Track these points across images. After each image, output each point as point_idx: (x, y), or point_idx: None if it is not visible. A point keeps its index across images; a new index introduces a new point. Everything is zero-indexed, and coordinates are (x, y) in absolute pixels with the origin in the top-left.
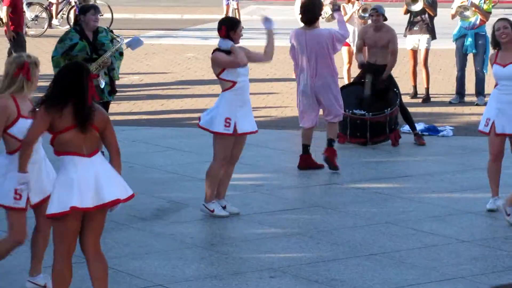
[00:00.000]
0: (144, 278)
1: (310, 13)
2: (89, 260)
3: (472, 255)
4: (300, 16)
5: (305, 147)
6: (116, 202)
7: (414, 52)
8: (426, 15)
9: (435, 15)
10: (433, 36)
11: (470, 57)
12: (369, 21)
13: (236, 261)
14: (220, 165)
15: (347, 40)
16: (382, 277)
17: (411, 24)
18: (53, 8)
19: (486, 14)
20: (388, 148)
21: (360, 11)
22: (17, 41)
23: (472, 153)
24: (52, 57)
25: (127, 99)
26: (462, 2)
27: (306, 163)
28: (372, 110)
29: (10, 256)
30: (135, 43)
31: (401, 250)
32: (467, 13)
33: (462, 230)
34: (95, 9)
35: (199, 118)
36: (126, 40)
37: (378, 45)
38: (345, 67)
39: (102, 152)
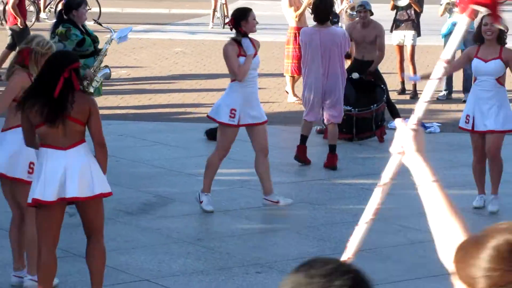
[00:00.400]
0: (131, 273)
1: (323, 12)
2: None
3: None
4: (312, 14)
5: (305, 138)
6: (74, 199)
7: (400, 47)
8: (412, 11)
9: (421, 11)
10: (418, 33)
11: (458, 54)
12: (357, 18)
13: (222, 256)
14: (219, 156)
15: None
16: (369, 272)
17: (397, 20)
18: (41, 2)
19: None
20: (375, 144)
21: (349, 9)
22: (23, 34)
23: (459, 150)
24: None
25: (114, 93)
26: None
27: (304, 153)
28: (359, 106)
29: None
30: (123, 36)
31: (387, 246)
32: (456, 9)
33: None
34: (86, 3)
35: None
36: (115, 34)
37: (365, 40)
38: None
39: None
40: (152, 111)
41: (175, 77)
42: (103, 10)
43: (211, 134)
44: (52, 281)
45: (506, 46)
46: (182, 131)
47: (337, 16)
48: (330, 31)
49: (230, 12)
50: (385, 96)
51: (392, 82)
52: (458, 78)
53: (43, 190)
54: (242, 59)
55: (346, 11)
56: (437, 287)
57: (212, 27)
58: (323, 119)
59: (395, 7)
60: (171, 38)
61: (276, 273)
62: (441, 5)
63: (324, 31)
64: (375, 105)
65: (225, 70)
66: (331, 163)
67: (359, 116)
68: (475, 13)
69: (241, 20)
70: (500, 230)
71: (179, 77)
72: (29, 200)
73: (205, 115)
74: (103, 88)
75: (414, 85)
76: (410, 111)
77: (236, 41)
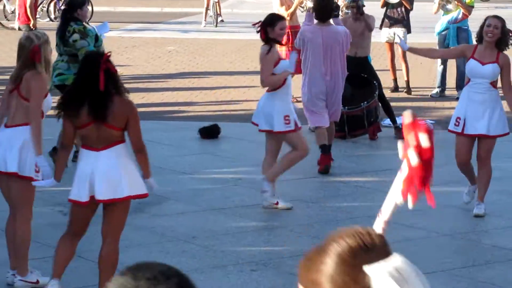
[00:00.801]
0: None
1: (325, 9)
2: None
3: (452, 248)
4: (314, 13)
5: (328, 147)
6: (99, 201)
7: (390, 45)
8: (403, 9)
9: (411, 9)
10: (408, 30)
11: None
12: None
13: (217, 254)
14: (306, 154)
15: None
16: None
17: (387, 17)
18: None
19: (468, 8)
20: (368, 141)
21: (344, 8)
22: None
23: (453, 147)
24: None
25: None
26: None
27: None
28: (350, 103)
29: None
30: (104, 29)
31: None
32: (449, 6)
33: (443, 223)
34: (88, 1)
35: (253, 123)
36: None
37: (357, 33)
38: None
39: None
40: (145, 109)
41: (168, 75)
42: (95, 9)
43: (204, 133)
44: (64, 268)
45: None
46: (175, 129)
47: (338, 8)
48: (332, 29)
49: (222, 11)
50: (377, 92)
51: (384, 80)
52: (451, 75)
53: (77, 191)
54: (284, 62)
55: (342, 10)
56: (431, 283)
57: (204, 26)
58: None
59: (385, 4)
60: (163, 37)
61: (271, 271)
62: (434, 3)
63: (326, 29)
64: (365, 102)
65: (218, 69)
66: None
67: (349, 114)
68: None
69: (268, 26)
70: (341, 236)
71: (172, 75)
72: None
73: (198, 113)
74: None
75: (407, 82)
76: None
77: (271, 45)
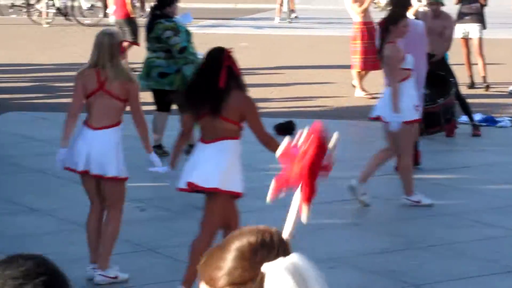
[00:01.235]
0: None
1: (403, 6)
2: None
3: None
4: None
5: (415, 143)
6: (191, 186)
7: (466, 40)
8: (478, 4)
9: (486, 4)
10: (483, 26)
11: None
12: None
13: (295, 251)
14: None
15: None
16: (442, 268)
17: (461, 13)
18: None
19: None
20: (445, 138)
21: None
22: (131, 27)
23: None
24: (183, 47)
25: None
26: None
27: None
28: (426, 100)
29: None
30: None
31: (460, 241)
32: None
33: None
34: None
35: (376, 117)
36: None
37: (434, 32)
38: None
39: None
40: None
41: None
42: None
43: (280, 129)
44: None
45: None
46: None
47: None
48: (414, 24)
49: (296, 7)
50: (453, 90)
51: (460, 76)
52: None
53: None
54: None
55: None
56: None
57: (278, 22)
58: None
59: (460, 1)
60: (236, 33)
61: (349, 268)
62: None
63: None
64: (442, 99)
65: (292, 63)
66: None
67: (426, 111)
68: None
69: (390, 24)
70: (242, 233)
71: (245, 72)
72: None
73: (273, 109)
74: None
75: (484, 77)
76: (480, 105)
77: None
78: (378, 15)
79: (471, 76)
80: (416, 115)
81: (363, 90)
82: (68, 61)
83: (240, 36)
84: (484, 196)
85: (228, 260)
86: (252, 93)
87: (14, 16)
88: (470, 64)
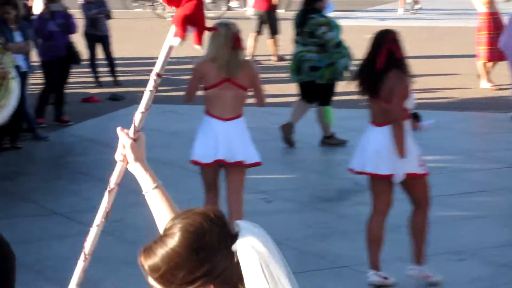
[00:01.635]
0: (330, 259)
1: None
2: None
3: None
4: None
5: None
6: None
7: None
8: None
9: None
10: None
11: None
12: None
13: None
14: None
15: None
16: None
17: None
18: None
19: None
20: None
21: None
22: (271, 19)
23: None
24: (338, 42)
25: None
26: None
27: None
28: None
29: None
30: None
31: None
32: None
33: None
34: None
35: None
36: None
37: None
38: None
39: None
40: (343, 98)
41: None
42: None
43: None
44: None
45: None
46: None
47: None
48: None
49: None
50: None
51: None
52: None
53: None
54: None
55: None
56: None
57: (401, 13)
58: None
59: None
60: (360, 25)
61: (478, 261)
62: None
63: None
64: None
65: (416, 55)
66: None
67: None
68: (184, 34)
69: None
70: (182, 216)
71: None
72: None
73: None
74: None
75: None
76: None
77: None
78: (504, 6)
79: None
80: None
81: (490, 81)
82: (192, 54)
83: (364, 28)
84: None
85: (170, 244)
86: None
87: (138, 10)
88: None
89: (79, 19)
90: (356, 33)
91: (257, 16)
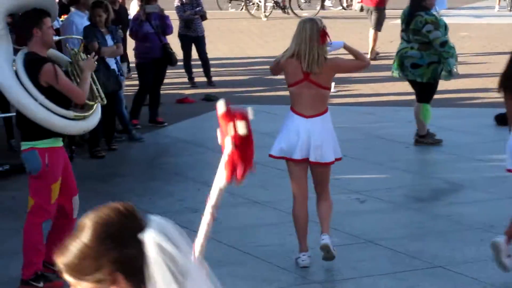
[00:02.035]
0: (424, 259)
1: None
2: None
3: None
4: None
5: None
6: None
7: None
8: None
9: None
10: None
11: None
12: None
13: None
14: None
15: None
16: None
17: None
18: None
19: None
20: None
21: None
22: (380, 15)
23: None
24: (444, 41)
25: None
26: None
27: None
28: None
29: None
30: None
31: None
32: None
33: None
34: None
35: None
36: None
37: None
38: None
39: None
40: (437, 96)
41: (462, 62)
42: None
43: (501, 120)
44: None
45: None
46: (469, 116)
47: None
48: None
49: None
50: None
51: None
52: None
53: None
54: None
55: None
56: None
57: (498, 10)
58: None
59: None
60: (456, 23)
61: None
62: None
63: None
64: None
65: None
66: None
67: None
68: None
69: None
70: (94, 212)
71: (465, 61)
72: None
73: (494, 100)
74: None
75: None
76: None
77: None
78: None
79: None
80: None
81: None
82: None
83: (459, 25)
84: None
85: (82, 238)
86: (472, 82)
87: (232, 10)
88: None
89: (174, 20)
90: (452, 31)
91: (366, 12)
